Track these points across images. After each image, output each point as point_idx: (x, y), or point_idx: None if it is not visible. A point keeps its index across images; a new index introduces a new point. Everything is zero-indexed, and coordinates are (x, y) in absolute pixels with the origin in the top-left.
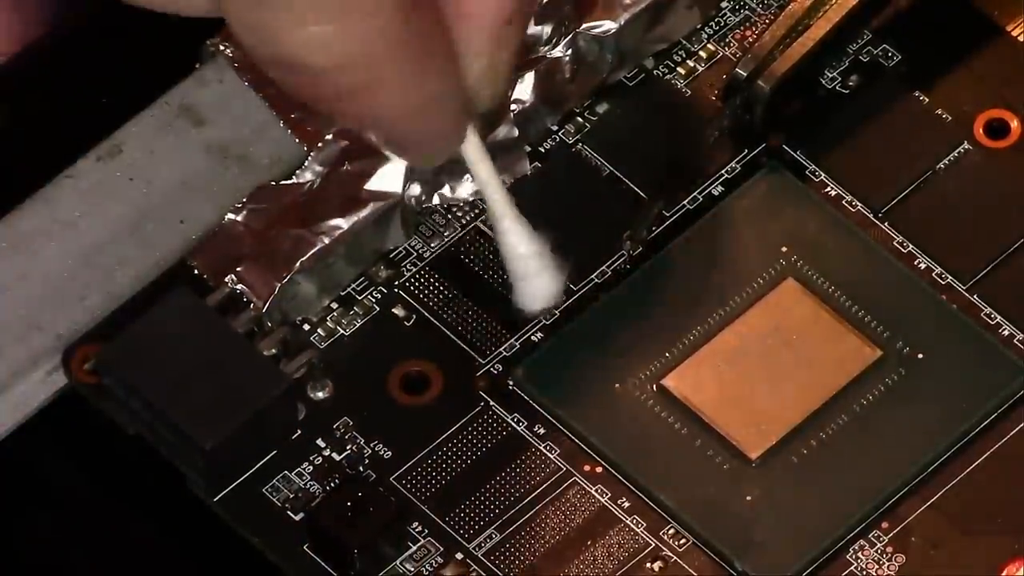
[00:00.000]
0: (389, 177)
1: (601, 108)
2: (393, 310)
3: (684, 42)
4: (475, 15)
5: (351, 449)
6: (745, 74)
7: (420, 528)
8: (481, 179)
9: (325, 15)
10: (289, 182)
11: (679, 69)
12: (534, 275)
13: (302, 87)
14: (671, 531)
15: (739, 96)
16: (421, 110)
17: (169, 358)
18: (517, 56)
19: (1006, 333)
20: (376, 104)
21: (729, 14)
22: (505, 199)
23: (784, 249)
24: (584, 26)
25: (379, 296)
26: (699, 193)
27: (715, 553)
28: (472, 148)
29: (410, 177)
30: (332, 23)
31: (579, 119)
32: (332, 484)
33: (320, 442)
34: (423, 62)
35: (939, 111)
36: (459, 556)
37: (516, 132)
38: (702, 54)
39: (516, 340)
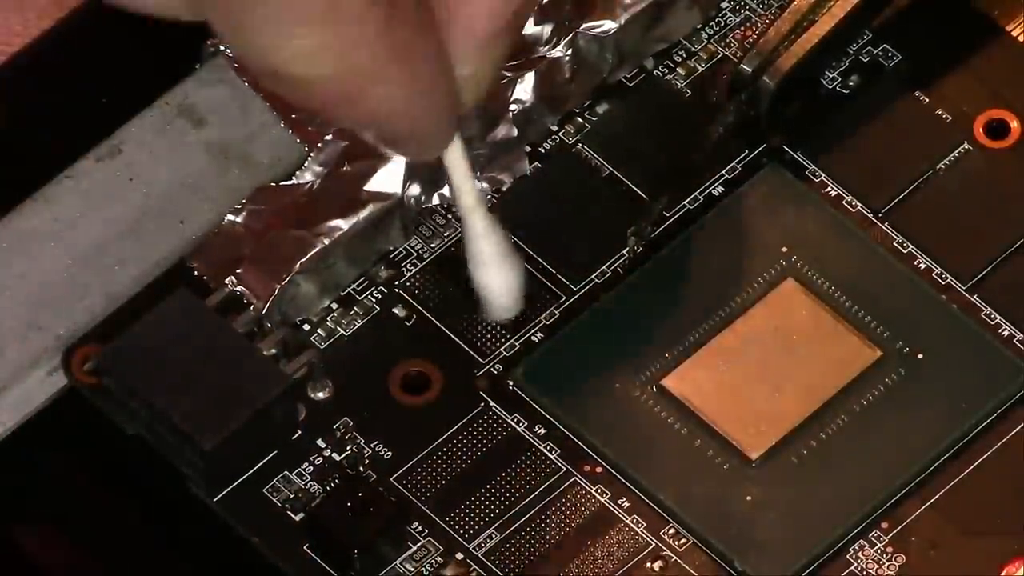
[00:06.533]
0: (389, 178)
1: (601, 108)
2: (393, 310)
3: (684, 42)
4: (465, 24)
5: (351, 449)
6: (751, 69)
7: (420, 528)
8: (457, 177)
9: (311, 27)
10: (289, 182)
11: (679, 69)
12: (497, 283)
13: (294, 95)
14: (671, 531)
15: (744, 92)
16: (410, 112)
17: (169, 359)
18: (502, 66)
19: (1006, 333)
20: (366, 109)
21: (729, 14)
22: (477, 199)
23: (784, 249)
24: (584, 26)
25: (379, 296)
26: (699, 193)
27: (715, 553)
28: (452, 150)
29: (410, 177)
30: (318, 35)
31: (579, 119)
32: (332, 484)
33: (320, 442)
34: (412, 66)
35: (939, 111)
36: (459, 556)
37: (516, 132)
38: (702, 54)
39: (516, 340)
